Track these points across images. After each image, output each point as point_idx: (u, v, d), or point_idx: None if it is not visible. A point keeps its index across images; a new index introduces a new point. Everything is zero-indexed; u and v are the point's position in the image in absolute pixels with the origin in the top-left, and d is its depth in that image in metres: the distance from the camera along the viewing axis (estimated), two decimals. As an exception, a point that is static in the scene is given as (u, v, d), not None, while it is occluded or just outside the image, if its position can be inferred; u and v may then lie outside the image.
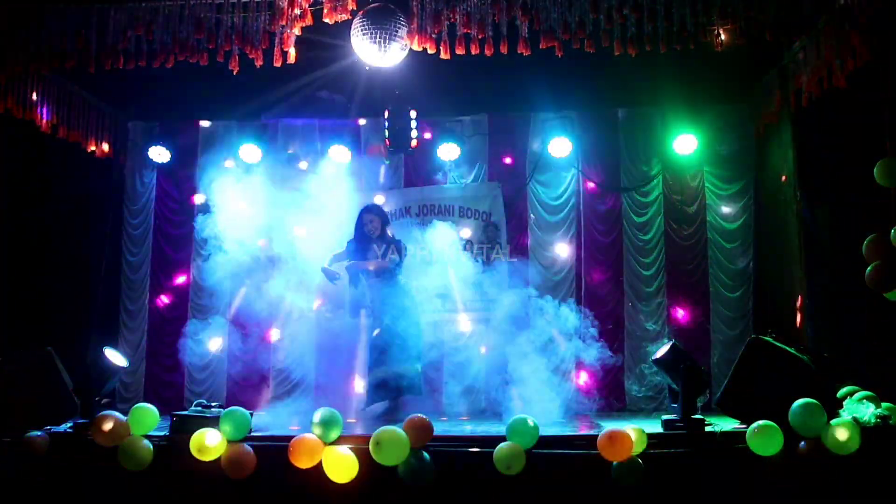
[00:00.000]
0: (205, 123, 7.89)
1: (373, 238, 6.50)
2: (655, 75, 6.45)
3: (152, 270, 7.87)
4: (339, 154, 7.68)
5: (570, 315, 7.07)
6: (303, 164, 7.77)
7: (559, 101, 7.44)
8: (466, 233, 7.69)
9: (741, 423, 4.99)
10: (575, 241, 7.70)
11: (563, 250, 7.71)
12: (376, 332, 6.42)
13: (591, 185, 7.77)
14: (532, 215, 7.82)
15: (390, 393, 6.30)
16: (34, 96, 6.22)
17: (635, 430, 4.63)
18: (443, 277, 7.50)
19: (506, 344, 7.25)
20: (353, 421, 6.28)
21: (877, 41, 4.95)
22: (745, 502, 4.61)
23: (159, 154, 7.65)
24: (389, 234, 6.64)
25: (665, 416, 5.23)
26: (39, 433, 4.89)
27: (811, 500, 4.51)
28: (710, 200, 7.60)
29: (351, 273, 6.56)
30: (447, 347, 7.51)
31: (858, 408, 4.80)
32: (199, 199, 7.75)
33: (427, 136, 7.65)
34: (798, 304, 6.62)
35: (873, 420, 4.69)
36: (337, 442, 4.69)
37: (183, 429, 4.85)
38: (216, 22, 5.23)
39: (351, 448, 4.62)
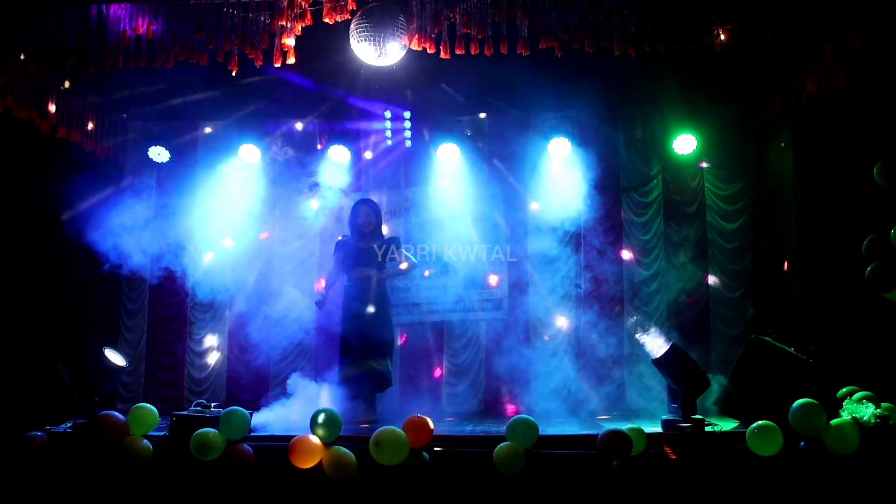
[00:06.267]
0: (205, 123, 7.88)
1: (365, 234, 6.46)
2: (655, 75, 6.44)
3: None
4: (339, 154, 7.67)
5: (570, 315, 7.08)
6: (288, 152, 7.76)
7: (559, 101, 7.43)
8: (466, 233, 7.67)
9: (741, 423, 4.99)
10: (574, 241, 7.67)
11: (562, 250, 7.69)
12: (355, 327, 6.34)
13: (590, 185, 7.75)
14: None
15: (370, 387, 6.27)
16: (34, 96, 6.23)
17: (635, 431, 4.63)
18: (443, 276, 7.52)
19: (506, 343, 7.27)
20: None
21: (877, 41, 4.95)
22: (745, 502, 4.61)
23: (159, 154, 7.64)
24: (384, 232, 6.62)
25: (665, 416, 5.23)
26: (39, 433, 4.89)
27: (811, 500, 4.52)
28: (710, 200, 7.59)
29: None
30: (448, 347, 7.52)
31: (858, 408, 4.80)
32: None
33: (426, 136, 7.65)
34: (798, 303, 6.62)
35: (873, 420, 4.69)
36: (336, 442, 4.69)
37: (183, 429, 4.85)
38: (216, 22, 5.23)
39: (350, 448, 4.62)
